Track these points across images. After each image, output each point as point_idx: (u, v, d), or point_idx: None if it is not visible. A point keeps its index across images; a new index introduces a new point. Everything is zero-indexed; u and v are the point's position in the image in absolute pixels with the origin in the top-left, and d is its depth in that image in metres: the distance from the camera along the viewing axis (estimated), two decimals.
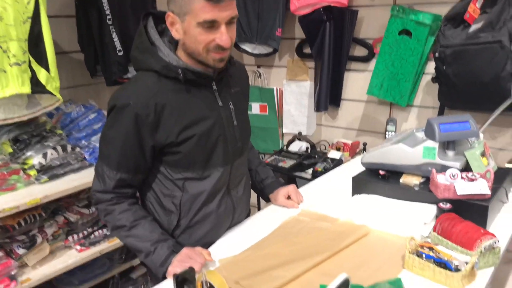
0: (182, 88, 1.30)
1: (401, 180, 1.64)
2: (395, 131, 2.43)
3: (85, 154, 2.14)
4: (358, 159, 2.06)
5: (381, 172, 1.69)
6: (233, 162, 1.43)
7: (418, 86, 2.38)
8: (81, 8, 2.27)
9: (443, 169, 1.53)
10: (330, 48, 2.53)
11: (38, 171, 1.97)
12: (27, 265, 1.94)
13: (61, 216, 2.09)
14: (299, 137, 2.83)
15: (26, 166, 1.96)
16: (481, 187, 1.42)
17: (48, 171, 2.00)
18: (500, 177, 1.61)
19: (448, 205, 1.41)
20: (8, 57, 1.72)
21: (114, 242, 2.21)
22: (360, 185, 1.71)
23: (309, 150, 2.74)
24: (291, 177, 2.62)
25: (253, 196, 1.71)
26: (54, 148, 2.01)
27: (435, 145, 1.58)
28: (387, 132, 2.45)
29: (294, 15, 2.63)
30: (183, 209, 1.39)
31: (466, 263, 1.17)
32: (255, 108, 3.03)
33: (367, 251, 1.36)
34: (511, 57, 1.81)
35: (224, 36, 1.22)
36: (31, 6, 1.77)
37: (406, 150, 1.63)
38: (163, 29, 1.36)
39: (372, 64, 2.52)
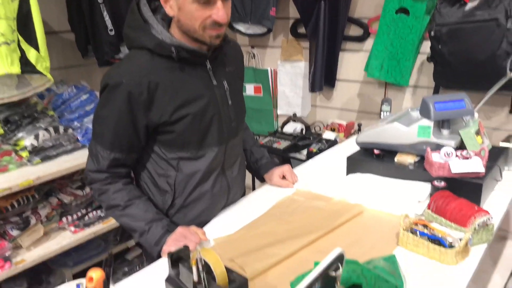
0: (175, 67, 1.28)
1: (395, 159, 1.64)
2: (390, 111, 2.42)
3: (78, 136, 2.12)
4: (352, 139, 2.05)
5: (376, 152, 1.69)
6: (227, 142, 1.41)
7: (413, 66, 2.37)
8: None
9: (438, 147, 1.53)
10: (325, 28, 2.50)
11: (30, 152, 1.95)
12: (21, 247, 1.94)
13: (54, 198, 2.08)
14: (293, 118, 2.82)
15: (17, 148, 1.94)
16: (476, 165, 1.42)
17: (41, 153, 1.98)
18: (495, 155, 1.61)
19: (442, 183, 1.41)
20: None
21: (109, 224, 2.21)
22: (354, 164, 1.71)
23: (303, 132, 2.73)
24: (285, 158, 2.61)
25: (248, 177, 1.70)
26: (46, 130, 1.99)
27: (430, 123, 1.57)
28: (382, 113, 2.44)
29: None
30: (177, 188, 1.38)
31: (460, 239, 1.18)
32: (249, 89, 3.00)
33: (361, 229, 1.36)
34: (507, 35, 1.80)
35: (220, 12, 1.20)
36: None
37: (401, 129, 1.62)
38: (156, 6, 1.33)
39: (368, 43, 2.49)
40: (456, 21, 1.91)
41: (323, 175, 1.78)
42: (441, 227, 1.23)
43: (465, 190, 1.40)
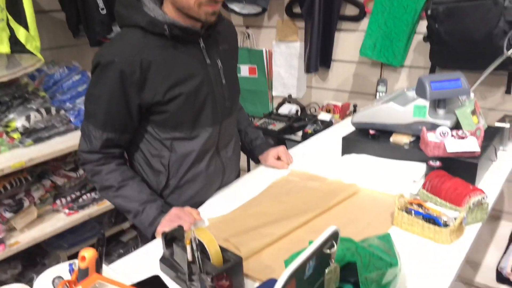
0: (168, 45, 1.26)
1: (391, 139, 1.63)
2: (385, 92, 2.41)
3: (71, 117, 2.09)
4: (348, 121, 2.04)
5: (371, 132, 1.68)
6: (222, 122, 1.40)
7: (410, 46, 2.34)
8: None
9: (433, 127, 1.52)
10: (320, 7, 2.46)
11: (22, 134, 1.92)
12: (15, 229, 1.93)
13: (48, 180, 2.06)
14: (289, 99, 2.80)
15: (9, 129, 1.91)
16: (471, 145, 1.42)
17: (32, 134, 1.96)
18: (490, 135, 1.61)
19: (437, 163, 1.41)
20: None
21: (103, 206, 2.20)
22: (350, 145, 1.70)
23: (299, 113, 2.71)
24: (281, 140, 2.60)
25: (243, 159, 1.69)
26: (38, 111, 1.96)
27: (426, 103, 1.56)
28: (377, 93, 2.42)
29: None
30: (171, 169, 1.37)
31: (455, 218, 1.18)
32: (244, 70, 2.97)
33: (356, 208, 1.36)
34: (505, 14, 1.78)
35: None
36: None
37: (396, 109, 1.61)
38: None
39: (363, 23, 2.46)
40: None
41: (318, 156, 1.77)
42: (436, 207, 1.23)
43: (460, 169, 1.40)
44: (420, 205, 1.24)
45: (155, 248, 1.21)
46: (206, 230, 1.02)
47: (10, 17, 1.72)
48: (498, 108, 2.17)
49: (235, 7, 2.73)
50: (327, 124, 2.43)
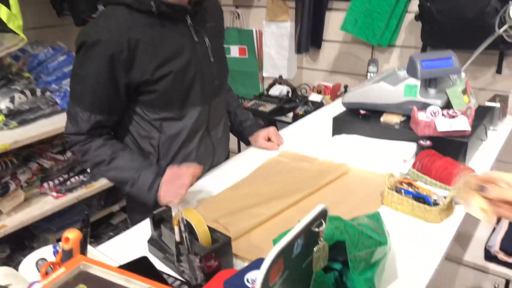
0: (155, 23, 1.23)
1: (381, 119, 1.62)
2: (377, 72, 2.39)
3: (56, 99, 2.05)
4: (339, 102, 2.03)
5: (362, 112, 1.67)
6: (211, 101, 1.38)
7: (401, 26, 2.32)
8: None
9: (424, 106, 1.51)
10: None
11: (6, 116, 1.88)
12: (1, 212, 1.90)
13: (34, 163, 2.03)
14: (279, 81, 2.77)
15: None
16: (462, 124, 1.41)
17: (17, 116, 1.91)
18: (480, 115, 1.60)
19: (428, 142, 1.40)
20: None
21: (92, 188, 2.17)
22: (340, 125, 1.69)
23: (289, 94, 2.69)
24: (271, 121, 2.58)
25: (233, 141, 1.67)
26: (22, 92, 1.92)
27: (417, 82, 1.55)
28: (368, 74, 2.40)
29: None
30: (161, 150, 1.35)
31: (445, 197, 1.17)
32: (234, 51, 2.93)
33: (346, 188, 1.35)
34: None
35: None
36: None
37: (387, 88, 1.59)
38: None
39: None
40: None
41: (308, 137, 1.76)
42: (426, 186, 1.23)
43: (451, 149, 1.40)
44: (410, 184, 1.24)
45: (144, 229, 1.20)
46: (194, 210, 1.01)
47: None
48: (489, 88, 2.17)
49: None
50: (318, 105, 2.42)
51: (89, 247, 1.02)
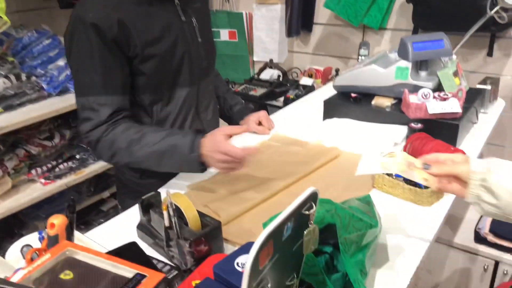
0: (143, 1, 1.20)
1: (373, 102, 1.61)
2: (368, 55, 2.37)
3: (42, 83, 2.01)
4: (330, 85, 2.01)
5: (353, 95, 1.65)
6: (199, 82, 1.36)
7: (392, 8, 2.30)
8: None
9: (415, 89, 1.50)
10: None
11: None
12: None
13: (21, 149, 2.00)
14: (270, 64, 2.74)
15: None
16: (453, 106, 1.40)
17: (2, 101, 1.87)
18: (471, 97, 1.60)
19: (419, 125, 1.40)
20: None
21: (81, 175, 2.15)
22: (331, 109, 1.67)
23: (280, 78, 2.67)
24: (262, 106, 2.56)
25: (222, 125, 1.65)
26: (7, 77, 1.87)
27: (408, 65, 1.53)
28: (359, 57, 2.39)
29: None
30: None
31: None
32: (223, 34, 2.89)
33: (337, 172, 1.35)
34: None
35: None
36: None
37: (378, 71, 1.58)
38: None
39: None
40: None
41: (299, 121, 1.75)
42: None
43: (442, 131, 1.39)
44: None
45: (133, 215, 1.18)
46: (183, 195, 1.00)
47: None
48: (480, 71, 2.17)
49: None
50: (309, 89, 2.40)
51: (77, 233, 1.01)
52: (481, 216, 1.90)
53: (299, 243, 0.73)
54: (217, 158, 1.14)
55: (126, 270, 0.72)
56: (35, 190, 2.01)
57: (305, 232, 0.72)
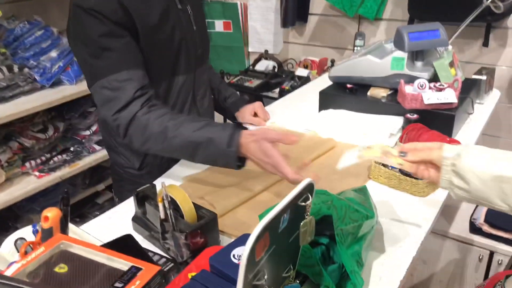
0: None
1: (368, 93, 1.60)
2: (363, 46, 2.36)
3: (35, 75, 1.98)
4: (325, 76, 2.00)
5: (349, 86, 1.65)
6: (195, 70, 1.36)
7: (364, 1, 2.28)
8: None
9: (411, 80, 1.49)
10: None
11: None
12: None
13: (14, 142, 1.98)
14: (265, 55, 2.73)
15: None
16: (449, 96, 1.40)
17: None
18: (467, 87, 1.59)
19: (415, 116, 1.39)
20: None
21: (76, 167, 2.14)
22: (327, 100, 1.66)
23: (276, 69, 2.66)
24: (258, 97, 2.55)
25: (218, 118, 1.64)
26: None
27: (404, 55, 1.53)
28: (355, 48, 2.38)
29: None
30: None
31: None
32: (218, 25, 2.86)
33: (333, 163, 1.33)
34: None
35: None
36: None
37: (374, 61, 1.57)
38: None
39: None
40: None
41: (295, 112, 1.74)
42: None
43: (438, 122, 1.39)
44: None
45: (129, 207, 1.17)
46: (179, 187, 0.99)
47: None
48: (475, 61, 2.17)
49: None
50: (304, 80, 2.39)
51: (72, 226, 1.00)
52: (476, 207, 1.91)
53: (296, 234, 0.73)
54: (267, 168, 1.05)
55: (121, 263, 0.71)
56: (29, 183, 1.99)
57: (301, 223, 0.72)
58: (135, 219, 1.09)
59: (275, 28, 2.70)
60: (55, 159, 2.11)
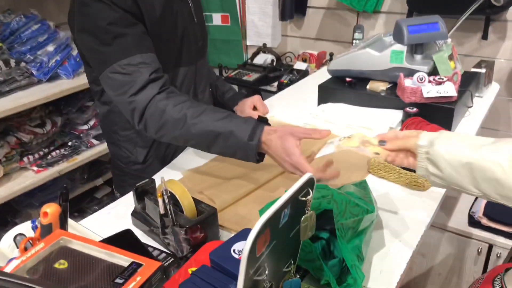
0: None
1: (367, 87, 1.59)
2: (362, 39, 2.35)
3: (32, 70, 1.97)
4: (324, 70, 1.99)
5: (348, 79, 1.64)
6: (196, 62, 1.37)
7: None
8: None
9: (410, 73, 1.48)
10: None
11: None
12: None
13: (12, 137, 1.97)
14: (263, 49, 2.72)
15: None
16: (448, 89, 1.39)
17: None
18: (466, 81, 1.59)
19: (414, 109, 1.39)
20: None
21: (74, 162, 2.13)
22: (326, 93, 1.66)
23: (274, 63, 2.65)
24: (256, 91, 2.54)
25: None
26: None
27: (403, 48, 1.52)
28: (354, 41, 2.36)
29: None
30: None
31: None
32: (216, 19, 2.84)
33: (332, 157, 1.33)
34: None
35: None
36: None
37: (373, 54, 1.56)
38: None
39: None
40: None
41: (294, 106, 1.73)
42: None
43: (437, 115, 1.39)
44: None
45: (128, 202, 1.17)
46: (178, 182, 0.98)
47: None
48: (475, 54, 2.16)
49: None
50: (303, 74, 2.39)
51: (71, 221, 1.00)
52: (475, 200, 1.92)
53: (296, 229, 0.73)
54: (286, 167, 1.03)
55: (122, 258, 0.71)
56: (28, 178, 1.98)
57: (302, 218, 0.72)
58: (134, 214, 1.08)
59: (273, 21, 2.68)
60: (53, 154, 2.10)
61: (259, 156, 1.06)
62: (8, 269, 0.67)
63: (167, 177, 1.00)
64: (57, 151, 2.12)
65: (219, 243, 0.85)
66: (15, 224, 2.06)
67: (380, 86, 1.57)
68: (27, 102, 1.86)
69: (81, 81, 2.03)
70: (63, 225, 0.79)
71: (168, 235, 0.96)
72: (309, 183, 0.71)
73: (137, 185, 1.05)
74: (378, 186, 1.18)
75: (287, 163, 1.01)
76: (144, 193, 1.05)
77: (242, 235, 0.84)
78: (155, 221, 1.00)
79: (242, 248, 0.78)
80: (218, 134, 1.05)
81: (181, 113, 1.07)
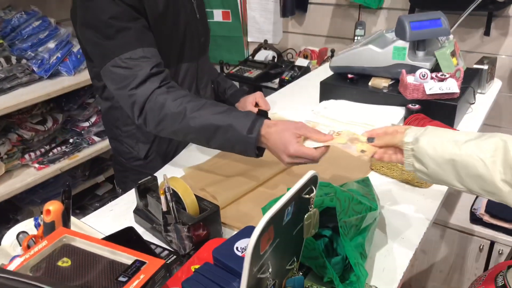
0: None
1: (370, 83, 1.59)
2: (364, 35, 2.34)
3: (33, 66, 1.96)
4: (326, 66, 1.99)
5: (350, 76, 1.63)
6: (199, 58, 1.36)
7: None
8: None
9: (413, 70, 1.48)
10: None
11: None
12: None
13: (13, 134, 1.97)
14: (265, 45, 2.71)
15: None
16: (451, 86, 1.39)
17: None
18: (469, 77, 1.58)
19: (417, 106, 1.39)
20: None
21: (75, 159, 2.13)
22: (328, 90, 1.65)
23: (275, 59, 2.64)
24: (257, 87, 2.54)
25: None
26: None
27: (405, 45, 1.51)
28: (355, 37, 2.36)
29: None
30: None
31: None
32: (217, 15, 2.83)
33: (335, 154, 1.33)
34: None
35: None
36: None
37: (375, 51, 1.56)
38: None
39: None
40: None
41: (295, 103, 1.73)
42: None
43: (440, 112, 1.38)
44: None
45: (130, 199, 1.17)
46: (180, 179, 0.98)
47: None
48: (477, 50, 2.15)
49: None
50: (304, 70, 2.38)
51: (74, 219, 1.00)
52: (477, 197, 1.91)
53: (299, 227, 0.73)
54: (286, 161, 1.00)
55: (125, 256, 0.71)
56: (29, 175, 1.99)
57: (305, 216, 0.72)
58: (136, 211, 1.08)
59: (274, 17, 2.67)
60: (55, 151, 2.10)
61: (259, 151, 1.05)
62: (11, 267, 0.67)
63: (169, 174, 0.99)
64: (59, 148, 2.12)
65: (222, 240, 0.85)
66: (17, 221, 2.08)
67: (382, 83, 1.57)
68: (28, 99, 1.86)
69: (82, 78, 2.02)
70: (66, 223, 0.79)
71: (170, 232, 0.95)
72: (313, 180, 0.70)
73: (139, 182, 1.05)
74: (380, 183, 1.18)
75: (285, 154, 0.99)
76: (147, 191, 1.05)
77: (245, 232, 0.84)
78: (158, 218, 1.00)
79: (245, 246, 0.78)
80: (217, 127, 1.04)
81: (181, 107, 1.07)
